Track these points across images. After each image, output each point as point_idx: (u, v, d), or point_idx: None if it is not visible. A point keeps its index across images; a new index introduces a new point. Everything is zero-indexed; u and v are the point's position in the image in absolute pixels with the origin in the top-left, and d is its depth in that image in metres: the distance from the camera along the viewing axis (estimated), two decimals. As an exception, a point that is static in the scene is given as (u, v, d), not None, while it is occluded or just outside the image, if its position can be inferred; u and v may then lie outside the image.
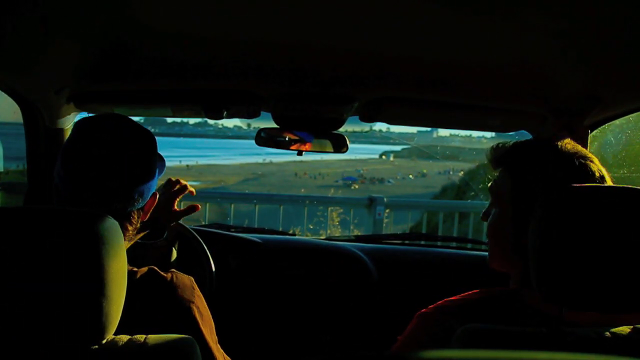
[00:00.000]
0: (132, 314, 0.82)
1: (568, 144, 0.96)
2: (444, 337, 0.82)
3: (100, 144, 0.92)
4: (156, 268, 0.94)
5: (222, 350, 0.99)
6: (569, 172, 0.91)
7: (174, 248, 1.38)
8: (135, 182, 0.94)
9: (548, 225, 0.76)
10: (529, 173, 0.94)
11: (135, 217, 0.98)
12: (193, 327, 0.88)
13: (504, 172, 0.99)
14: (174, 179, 1.35)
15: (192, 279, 0.97)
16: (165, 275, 0.93)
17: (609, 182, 0.93)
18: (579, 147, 0.96)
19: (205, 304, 0.97)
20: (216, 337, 0.98)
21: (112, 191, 0.92)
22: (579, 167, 0.92)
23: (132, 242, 1.03)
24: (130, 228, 0.98)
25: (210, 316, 0.97)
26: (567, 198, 0.76)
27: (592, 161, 0.93)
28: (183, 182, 1.35)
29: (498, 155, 1.01)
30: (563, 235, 0.75)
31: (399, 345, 0.95)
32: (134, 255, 1.00)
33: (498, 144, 1.02)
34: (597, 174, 0.92)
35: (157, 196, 1.03)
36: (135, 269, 0.93)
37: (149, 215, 1.03)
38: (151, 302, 0.90)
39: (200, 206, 1.38)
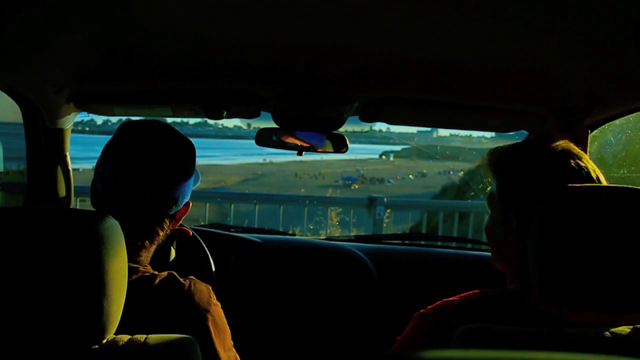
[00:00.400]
0: (146, 318, 0.83)
1: (558, 143, 0.95)
2: (443, 337, 0.82)
3: (141, 146, 0.95)
4: (175, 274, 0.95)
5: (237, 358, 0.99)
6: (560, 171, 0.91)
7: (172, 247, 1.37)
8: (171, 186, 0.96)
9: (547, 226, 0.76)
10: (518, 174, 0.94)
11: (167, 223, 1.00)
12: (205, 337, 0.88)
13: (494, 175, 1.00)
14: None
15: (210, 288, 0.97)
16: (183, 282, 0.93)
17: (603, 181, 0.93)
18: (571, 146, 0.96)
19: (221, 312, 0.96)
20: (231, 343, 0.98)
21: (148, 192, 0.94)
22: (572, 167, 0.91)
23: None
24: (161, 233, 0.99)
25: (226, 324, 0.97)
26: (566, 198, 0.76)
27: (581, 159, 0.93)
28: None
29: (489, 159, 1.01)
30: (562, 235, 0.75)
31: (398, 345, 0.94)
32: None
33: (493, 148, 1.02)
34: (593, 175, 0.91)
35: (190, 205, 1.05)
36: (155, 273, 0.94)
37: (179, 222, 1.05)
38: (167, 308, 0.90)
39: (191, 232, 1.39)
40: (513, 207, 0.93)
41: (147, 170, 0.94)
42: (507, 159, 0.98)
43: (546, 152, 0.94)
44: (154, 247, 1.00)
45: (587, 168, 0.92)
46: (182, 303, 0.91)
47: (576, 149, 0.95)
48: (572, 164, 0.91)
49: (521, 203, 0.92)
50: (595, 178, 0.92)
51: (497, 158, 1.00)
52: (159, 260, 1.34)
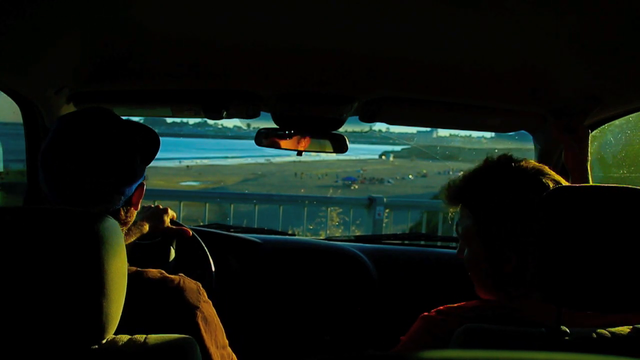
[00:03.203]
0: (136, 314, 0.82)
1: (523, 163, 0.94)
2: (447, 339, 0.82)
3: (73, 148, 0.91)
4: (164, 272, 0.94)
5: (232, 356, 0.99)
6: (532, 192, 0.89)
7: (172, 247, 1.37)
8: (114, 182, 0.92)
9: (547, 225, 0.76)
10: (489, 205, 0.92)
11: (123, 213, 0.97)
12: (194, 333, 0.88)
13: (464, 209, 0.98)
14: (161, 207, 1.36)
15: (200, 285, 0.97)
16: (172, 278, 0.93)
17: None
18: (534, 164, 0.95)
19: (212, 310, 0.96)
20: (225, 342, 0.98)
21: (91, 193, 0.90)
22: (541, 186, 0.90)
23: (130, 241, 1.02)
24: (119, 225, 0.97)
25: (218, 322, 0.96)
26: (566, 198, 0.76)
27: (547, 174, 0.93)
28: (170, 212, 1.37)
29: (453, 193, 0.99)
30: (561, 235, 0.75)
31: (402, 346, 0.95)
32: (131, 256, 1.00)
33: (449, 182, 1.00)
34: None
35: (144, 187, 1.02)
36: (141, 270, 0.93)
37: (139, 206, 1.02)
38: (156, 304, 0.89)
39: (190, 232, 1.39)
40: (494, 242, 0.92)
41: (86, 171, 0.89)
42: (474, 190, 0.96)
43: (518, 175, 0.93)
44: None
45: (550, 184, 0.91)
46: (172, 300, 0.90)
47: (542, 166, 0.94)
48: (545, 182, 0.91)
49: (498, 236, 0.91)
50: None
51: (463, 191, 0.97)
52: (159, 260, 1.34)
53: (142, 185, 1.00)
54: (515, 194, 0.91)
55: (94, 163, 0.90)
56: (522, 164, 0.94)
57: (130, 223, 1.01)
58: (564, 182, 0.94)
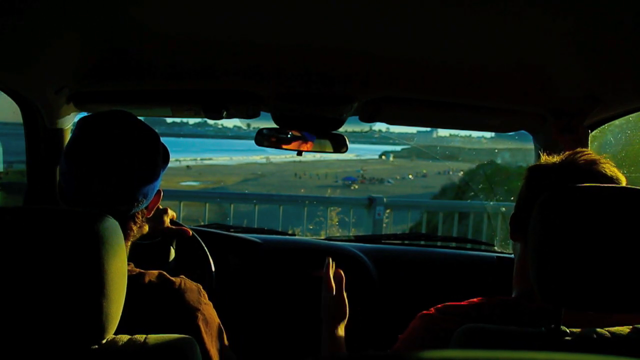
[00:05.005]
0: (137, 316, 0.82)
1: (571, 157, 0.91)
2: (445, 337, 0.82)
3: (103, 144, 0.91)
4: (165, 273, 0.94)
5: (232, 357, 0.99)
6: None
7: (172, 247, 1.37)
8: (139, 184, 0.93)
9: (545, 225, 0.76)
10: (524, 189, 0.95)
11: (140, 217, 0.98)
12: (195, 335, 0.87)
13: None
14: (161, 207, 1.36)
15: (200, 286, 0.97)
16: (173, 280, 0.93)
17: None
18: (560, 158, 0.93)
19: (213, 311, 0.96)
20: (226, 343, 0.98)
21: (115, 193, 0.91)
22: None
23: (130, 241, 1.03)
24: (134, 228, 0.98)
25: (219, 323, 0.96)
26: (564, 197, 0.76)
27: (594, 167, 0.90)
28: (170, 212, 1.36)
29: None
30: (560, 234, 0.75)
31: (400, 344, 0.95)
32: (131, 256, 1.00)
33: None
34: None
35: (162, 194, 1.03)
36: (143, 272, 0.93)
37: (153, 212, 1.03)
38: (157, 306, 0.89)
39: (190, 232, 1.38)
40: (513, 222, 0.95)
41: (113, 171, 0.90)
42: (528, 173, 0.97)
43: (551, 168, 0.93)
44: (129, 243, 0.99)
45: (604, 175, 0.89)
46: (173, 301, 0.91)
47: (590, 158, 0.91)
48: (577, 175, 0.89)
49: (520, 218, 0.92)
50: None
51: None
52: (159, 260, 1.34)
53: (159, 192, 1.01)
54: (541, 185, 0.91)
55: (120, 162, 0.91)
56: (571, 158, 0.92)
57: (143, 228, 1.01)
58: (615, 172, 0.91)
